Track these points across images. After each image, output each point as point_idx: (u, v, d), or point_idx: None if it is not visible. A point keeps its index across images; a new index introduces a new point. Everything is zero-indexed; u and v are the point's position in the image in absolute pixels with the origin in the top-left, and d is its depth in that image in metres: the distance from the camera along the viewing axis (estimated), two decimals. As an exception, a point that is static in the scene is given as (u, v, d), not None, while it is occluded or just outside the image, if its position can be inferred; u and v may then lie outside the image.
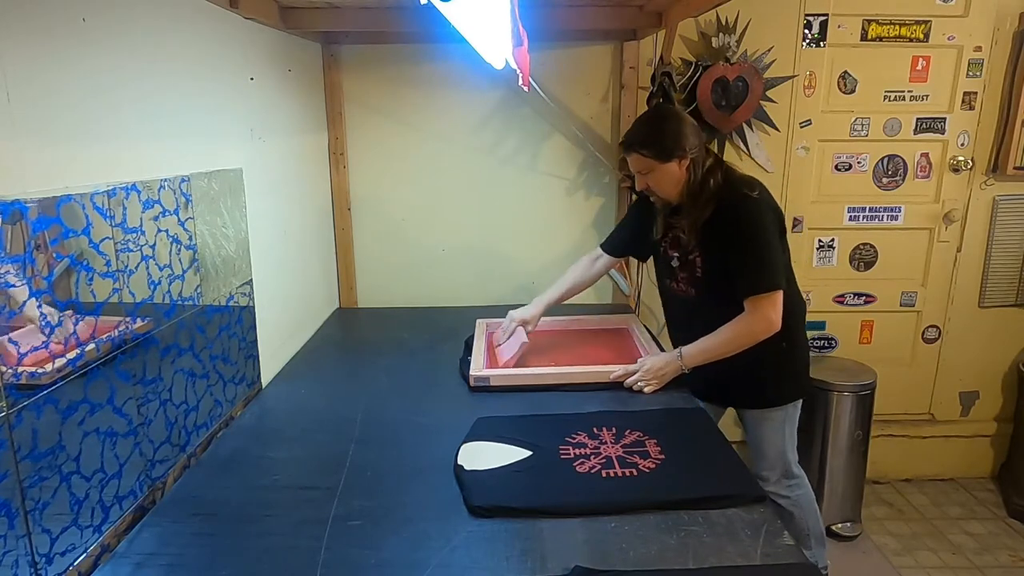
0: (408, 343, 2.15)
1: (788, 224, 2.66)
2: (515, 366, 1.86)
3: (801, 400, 1.88)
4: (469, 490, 1.24)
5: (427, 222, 2.57)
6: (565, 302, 2.08)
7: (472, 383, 1.75)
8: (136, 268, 1.22)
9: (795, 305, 1.78)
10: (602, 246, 2.08)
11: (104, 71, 1.14)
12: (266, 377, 1.84)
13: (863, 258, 2.75)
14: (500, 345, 1.98)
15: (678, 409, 1.61)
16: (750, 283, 1.65)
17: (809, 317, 2.75)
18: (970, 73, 2.56)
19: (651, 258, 1.97)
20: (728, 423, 2.12)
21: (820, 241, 2.73)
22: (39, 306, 0.98)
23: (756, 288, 1.65)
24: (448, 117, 2.48)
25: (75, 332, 1.06)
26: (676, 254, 1.80)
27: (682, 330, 1.88)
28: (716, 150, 2.53)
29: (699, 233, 1.70)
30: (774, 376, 1.81)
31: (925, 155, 2.64)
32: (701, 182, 1.67)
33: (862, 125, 2.60)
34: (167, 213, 1.33)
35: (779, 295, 1.65)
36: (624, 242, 2.03)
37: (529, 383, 1.75)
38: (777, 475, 1.89)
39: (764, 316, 1.65)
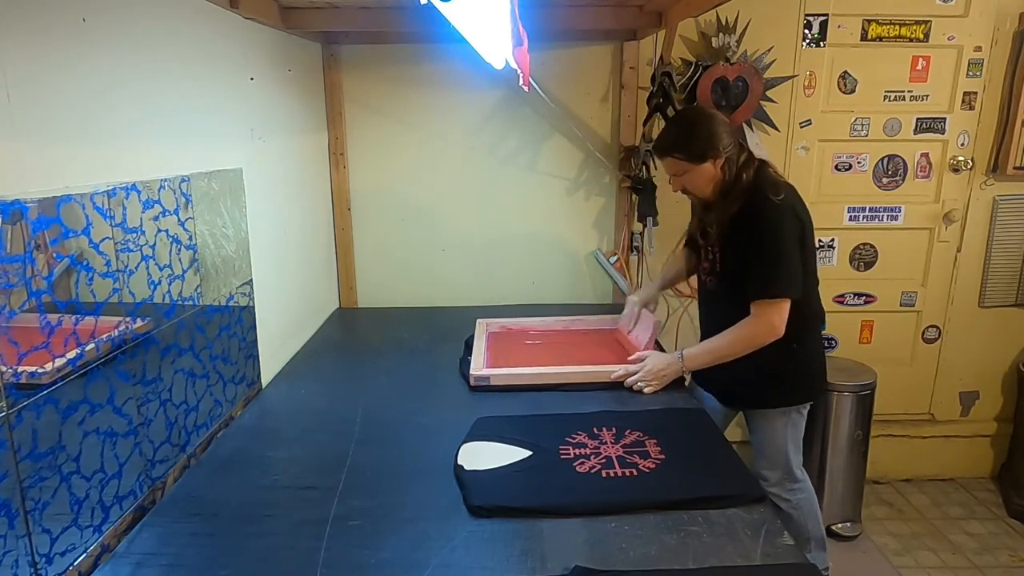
0: (408, 343, 2.15)
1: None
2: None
3: (807, 405, 1.87)
4: (469, 490, 1.24)
5: (427, 222, 2.57)
6: (566, 302, 2.10)
7: (472, 383, 1.75)
8: (136, 268, 1.22)
9: (812, 310, 1.79)
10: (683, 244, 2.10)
11: (104, 71, 1.14)
12: (266, 377, 1.84)
13: (863, 258, 2.75)
14: (631, 331, 2.00)
15: (678, 409, 1.61)
16: (759, 288, 1.66)
17: (809, 317, 2.78)
18: (970, 73, 2.56)
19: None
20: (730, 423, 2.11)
21: (820, 241, 2.72)
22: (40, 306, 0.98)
23: (764, 293, 1.65)
24: (448, 117, 2.48)
25: (75, 332, 1.06)
26: (707, 246, 1.82)
27: (703, 321, 1.93)
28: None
29: (724, 228, 1.72)
30: (778, 378, 1.81)
31: (925, 155, 2.64)
32: (734, 178, 1.69)
33: (862, 125, 2.60)
34: (167, 213, 1.33)
35: (786, 303, 1.65)
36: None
37: (529, 383, 1.75)
38: (778, 476, 1.88)
39: (768, 321, 1.65)
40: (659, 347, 1.97)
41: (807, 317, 1.72)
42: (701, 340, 1.81)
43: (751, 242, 1.66)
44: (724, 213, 1.70)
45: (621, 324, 2.08)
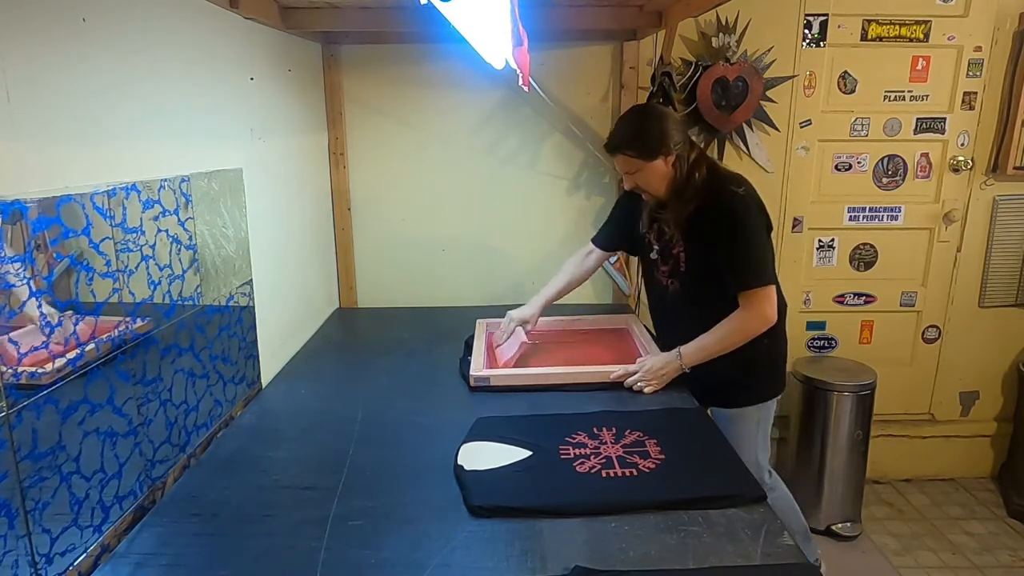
0: (408, 343, 2.15)
1: (788, 224, 2.68)
2: (515, 366, 1.87)
3: (775, 399, 1.87)
4: (469, 490, 1.24)
5: (427, 222, 2.57)
6: (566, 302, 2.10)
7: (472, 383, 1.75)
8: (136, 268, 1.22)
9: (779, 304, 1.79)
10: (593, 240, 2.09)
11: (104, 71, 1.14)
12: (266, 377, 1.84)
13: (863, 258, 2.75)
14: (500, 345, 1.98)
15: (678, 409, 1.61)
16: (743, 279, 1.66)
17: (809, 317, 2.78)
18: (970, 73, 2.56)
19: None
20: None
21: (820, 241, 2.73)
22: (39, 306, 0.98)
23: (750, 283, 1.65)
24: (448, 117, 2.48)
25: (75, 332, 1.06)
26: (660, 247, 1.81)
27: (664, 323, 1.90)
28: (716, 150, 2.53)
29: (683, 227, 1.71)
30: (754, 374, 1.81)
31: (925, 155, 2.64)
32: (686, 177, 1.68)
33: (862, 125, 2.60)
34: (167, 213, 1.33)
35: (772, 289, 1.66)
36: (614, 236, 2.04)
37: (529, 383, 1.75)
38: None
39: (760, 311, 1.65)
40: (658, 347, 1.97)
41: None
42: (663, 349, 1.79)
43: (723, 237, 1.65)
44: (681, 211, 1.69)
45: (496, 334, 2.03)
